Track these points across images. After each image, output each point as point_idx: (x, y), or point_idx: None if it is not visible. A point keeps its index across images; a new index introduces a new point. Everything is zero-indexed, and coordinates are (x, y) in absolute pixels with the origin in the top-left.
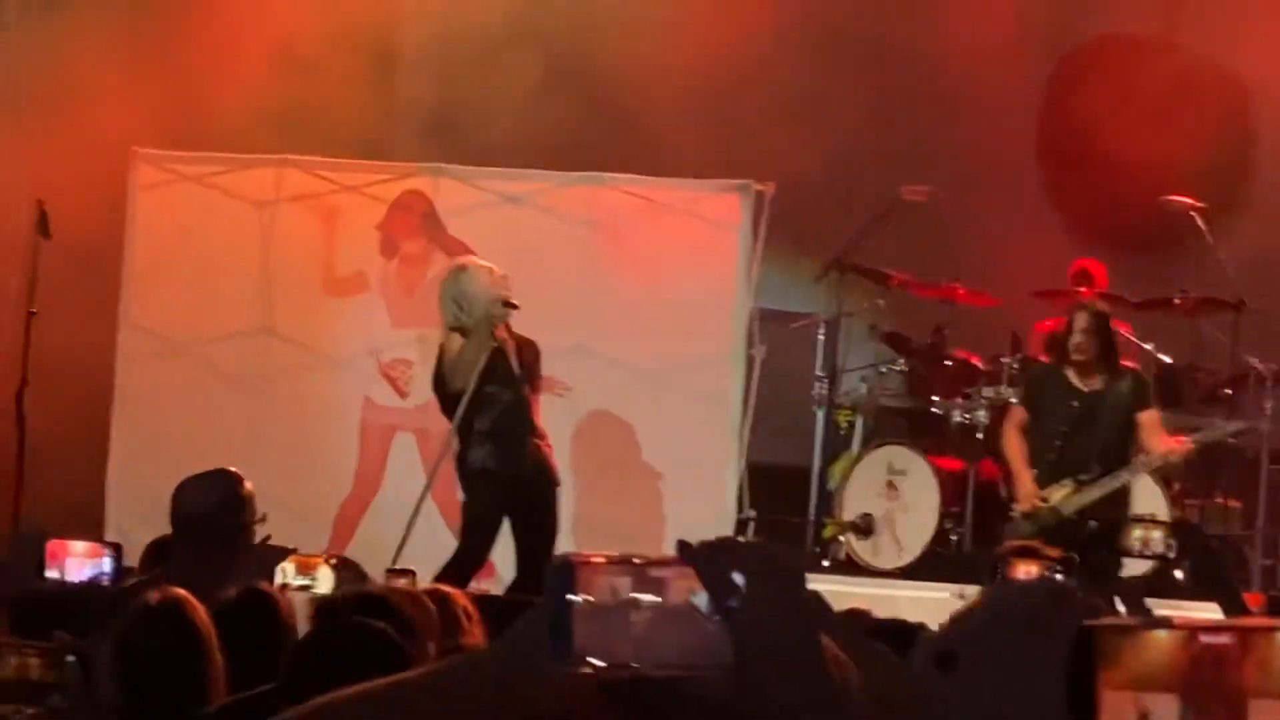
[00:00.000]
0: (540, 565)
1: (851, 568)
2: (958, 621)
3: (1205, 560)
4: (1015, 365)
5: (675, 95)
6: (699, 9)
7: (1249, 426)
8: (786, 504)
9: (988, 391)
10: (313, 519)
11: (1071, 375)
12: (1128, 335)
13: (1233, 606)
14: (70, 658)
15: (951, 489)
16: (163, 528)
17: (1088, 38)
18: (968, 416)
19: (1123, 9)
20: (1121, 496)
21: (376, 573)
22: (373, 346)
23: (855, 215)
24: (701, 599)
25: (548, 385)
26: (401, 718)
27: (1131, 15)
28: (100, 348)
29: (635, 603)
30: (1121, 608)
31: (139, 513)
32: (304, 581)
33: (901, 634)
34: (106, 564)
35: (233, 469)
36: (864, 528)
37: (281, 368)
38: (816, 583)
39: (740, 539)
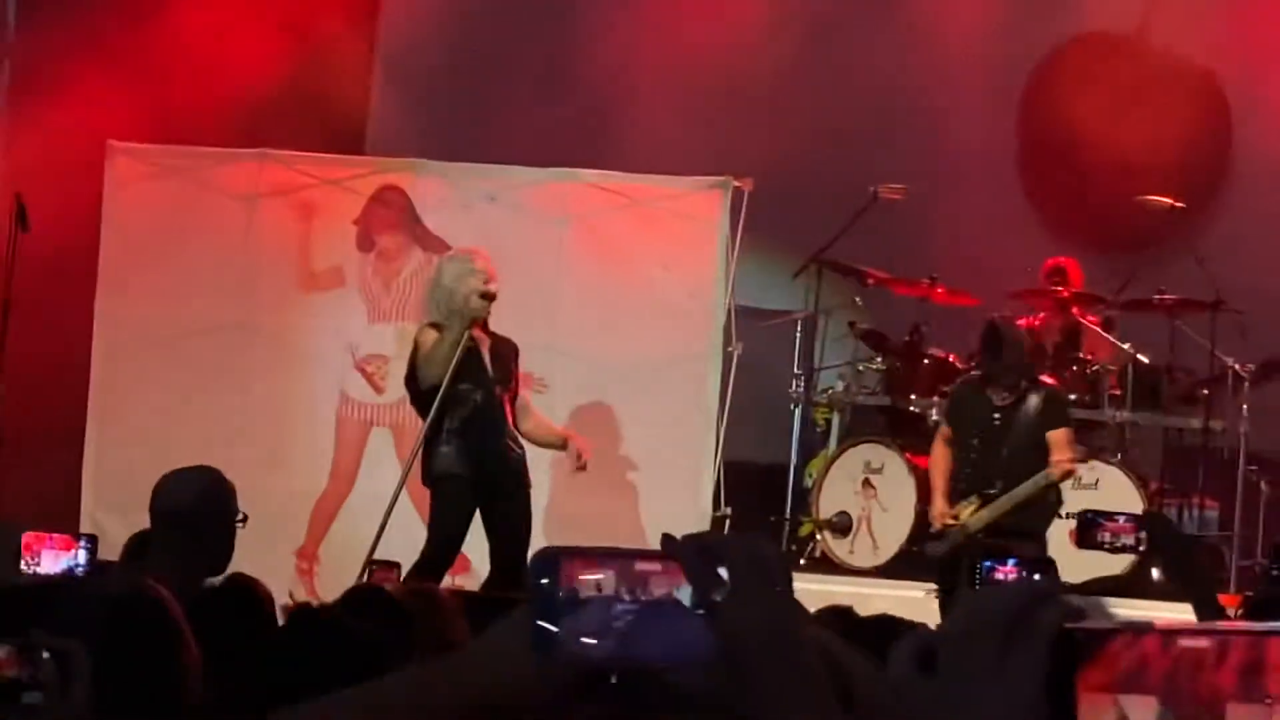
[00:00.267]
0: (513, 565)
1: (828, 566)
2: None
3: (1176, 552)
4: None
5: (654, 91)
6: (680, 5)
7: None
8: (763, 501)
9: None
10: (288, 514)
11: (990, 391)
12: (1104, 334)
13: (1205, 601)
14: (45, 654)
15: (928, 487)
16: (139, 521)
17: (1065, 38)
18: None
19: (1100, 8)
20: (1038, 511)
21: (352, 568)
22: (349, 341)
23: (833, 213)
24: (685, 593)
25: (525, 382)
26: None
27: (1108, 15)
28: (77, 341)
29: (619, 596)
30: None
31: (114, 506)
32: None
33: (888, 630)
34: (81, 556)
35: (214, 467)
36: (840, 526)
37: (258, 362)
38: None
39: (725, 533)
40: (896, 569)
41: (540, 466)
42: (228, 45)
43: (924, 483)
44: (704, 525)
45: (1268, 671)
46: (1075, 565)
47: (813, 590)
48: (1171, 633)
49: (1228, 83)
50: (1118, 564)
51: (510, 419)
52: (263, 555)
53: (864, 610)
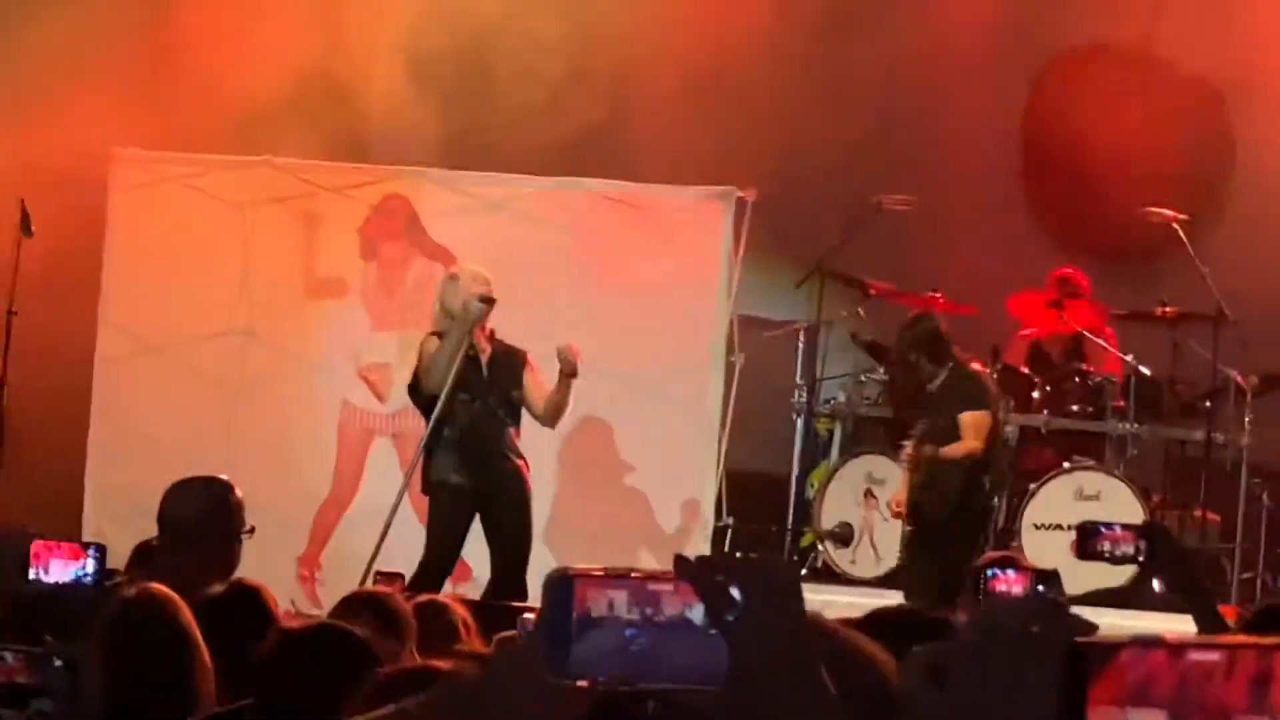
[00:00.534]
0: (511, 574)
1: (829, 576)
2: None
3: (1176, 563)
4: (995, 375)
5: (657, 102)
6: (682, 16)
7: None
8: (765, 512)
9: None
10: (290, 522)
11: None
12: (1107, 346)
13: (1205, 613)
14: (56, 661)
15: None
16: (141, 528)
17: (1068, 48)
18: None
19: (1103, 19)
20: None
21: (354, 576)
22: (352, 350)
23: (836, 223)
24: (697, 613)
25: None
26: None
27: (1112, 26)
28: (79, 347)
29: (631, 616)
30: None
31: (117, 513)
32: None
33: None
34: (90, 565)
35: (224, 477)
36: (842, 536)
37: (260, 370)
38: None
39: (737, 553)
40: (898, 580)
41: (543, 476)
42: (232, 53)
43: None
44: (706, 534)
45: (1277, 685)
46: (1077, 577)
47: (813, 601)
48: (1180, 646)
49: (1232, 95)
50: (1119, 576)
51: (513, 429)
52: (264, 563)
53: None
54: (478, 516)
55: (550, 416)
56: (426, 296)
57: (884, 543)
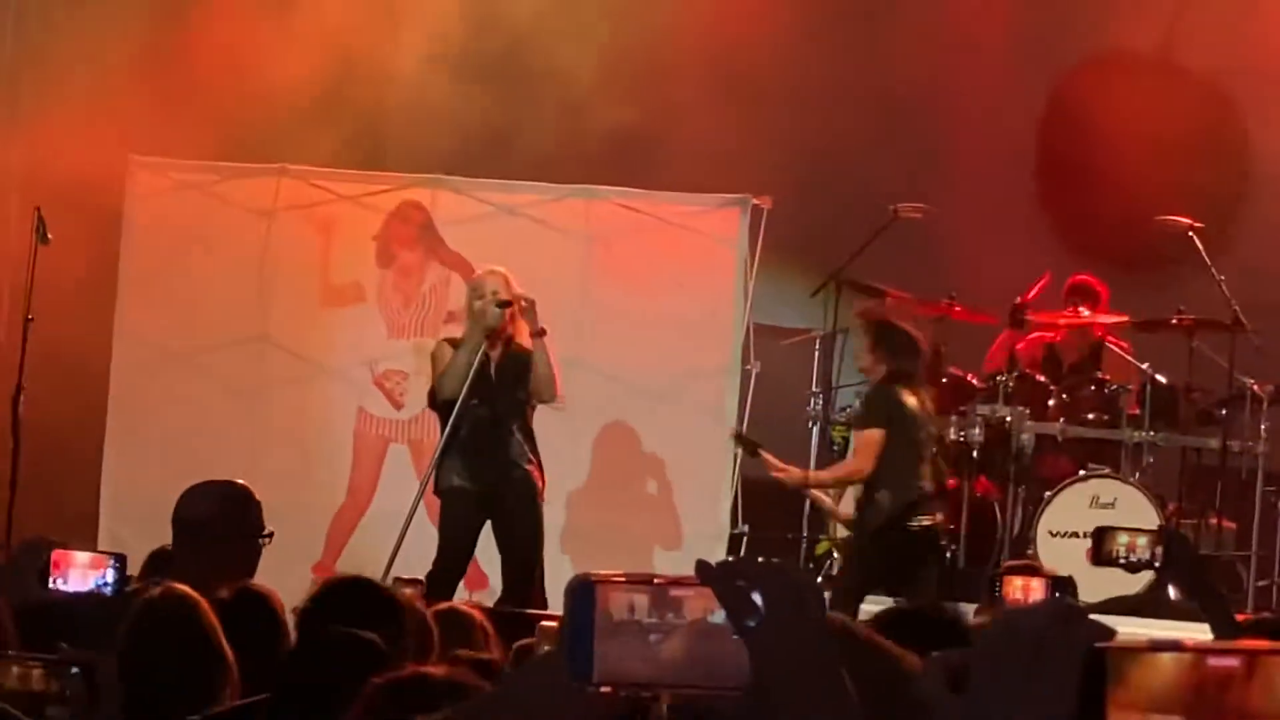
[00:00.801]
0: (519, 582)
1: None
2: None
3: (1191, 568)
4: (1011, 383)
5: (672, 109)
6: (695, 24)
7: None
8: (780, 519)
9: (983, 409)
10: (306, 529)
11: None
12: (1123, 353)
13: (1221, 619)
14: (73, 669)
15: (946, 506)
16: (157, 535)
17: (1086, 55)
18: (963, 434)
19: (1121, 27)
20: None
21: None
22: (368, 357)
23: (852, 232)
24: (719, 617)
25: None
26: None
27: (1129, 33)
28: (96, 355)
29: (654, 623)
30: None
31: (134, 520)
32: None
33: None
34: (110, 575)
35: (240, 481)
36: None
37: (277, 377)
38: None
39: (759, 559)
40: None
41: (560, 483)
42: (248, 60)
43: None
44: (721, 542)
45: None
46: (1093, 585)
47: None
48: (1200, 651)
49: (1248, 102)
50: (1135, 583)
51: (523, 434)
52: (280, 570)
53: None
54: (490, 523)
55: (541, 390)
56: (442, 304)
57: None
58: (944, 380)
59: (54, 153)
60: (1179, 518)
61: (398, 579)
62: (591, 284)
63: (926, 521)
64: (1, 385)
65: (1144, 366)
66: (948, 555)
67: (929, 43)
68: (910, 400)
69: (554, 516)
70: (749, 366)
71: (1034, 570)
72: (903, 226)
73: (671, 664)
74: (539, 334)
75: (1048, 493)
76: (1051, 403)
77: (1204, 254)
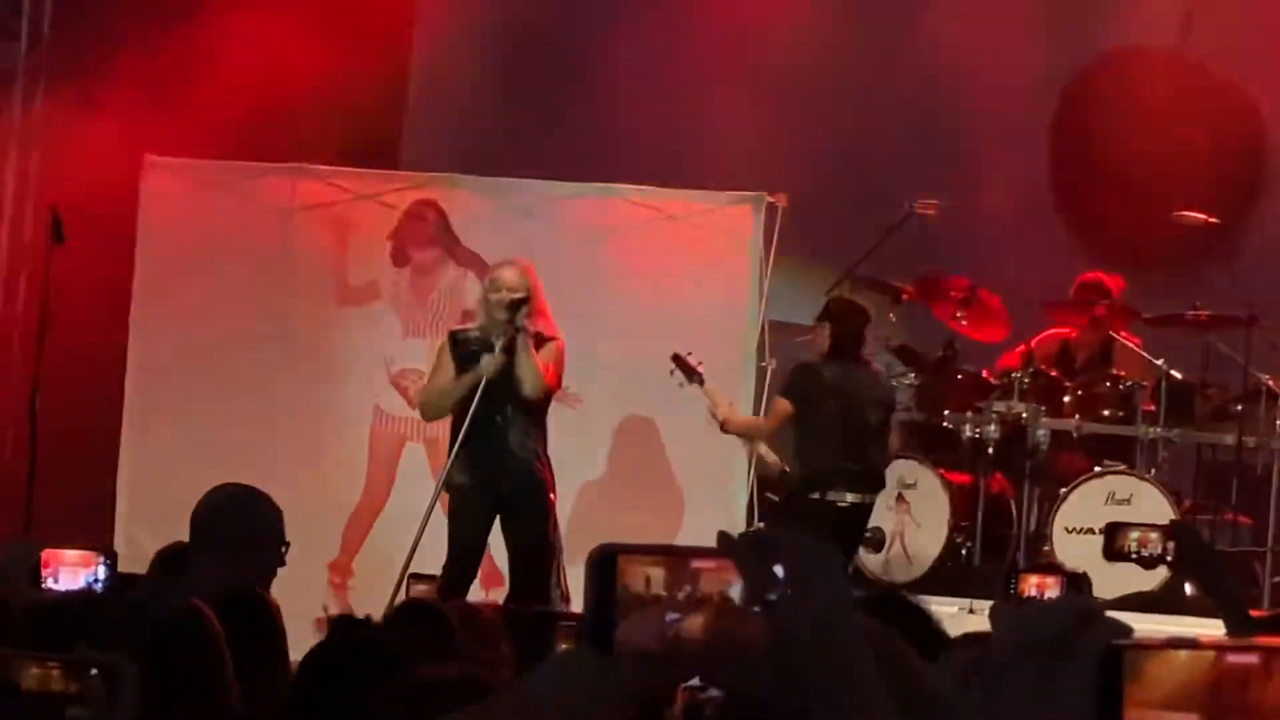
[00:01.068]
0: (522, 578)
1: (861, 581)
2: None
3: (1204, 563)
4: (1026, 380)
5: (686, 106)
6: (711, 22)
7: None
8: None
9: (999, 405)
10: (323, 528)
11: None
12: (1138, 350)
13: (1234, 614)
14: (92, 670)
15: (961, 503)
16: (172, 534)
17: (1101, 52)
18: (978, 430)
19: (1135, 23)
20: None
21: (386, 582)
22: (384, 356)
23: (867, 228)
24: (736, 591)
25: (560, 397)
26: None
27: (1144, 29)
28: (112, 354)
29: (670, 594)
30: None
31: (148, 519)
32: None
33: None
34: (101, 572)
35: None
36: (874, 541)
37: (293, 376)
38: None
39: (780, 531)
40: (931, 584)
41: (571, 479)
42: (263, 60)
43: (958, 498)
44: None
45: None
46: (1109, 581)
47: None
48: (1217, 648)
49: (1263, 98)
50: (1151, 580)
51: (530, 431)
52: (297, 569)
53: None
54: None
55: (523, 383)
56: (458, 303)
57: (915, 548)
58: (958, 377)
59: (69, 154)
60: (1195, 514)
61: (414, 575)
62: (606, 282)
63: (838, 499)
64: (18, 386)
65: (1159, 362)
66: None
67: (945, 40)
68: (843, 381)
69: (567, 512)
70: (764, 364)
71: (1044, 565)
72: (917, 223)
73: (692, 637)
74: (520, 330)
75: (1063, 489)
76: (1067, 399)
77: (1220, 250)
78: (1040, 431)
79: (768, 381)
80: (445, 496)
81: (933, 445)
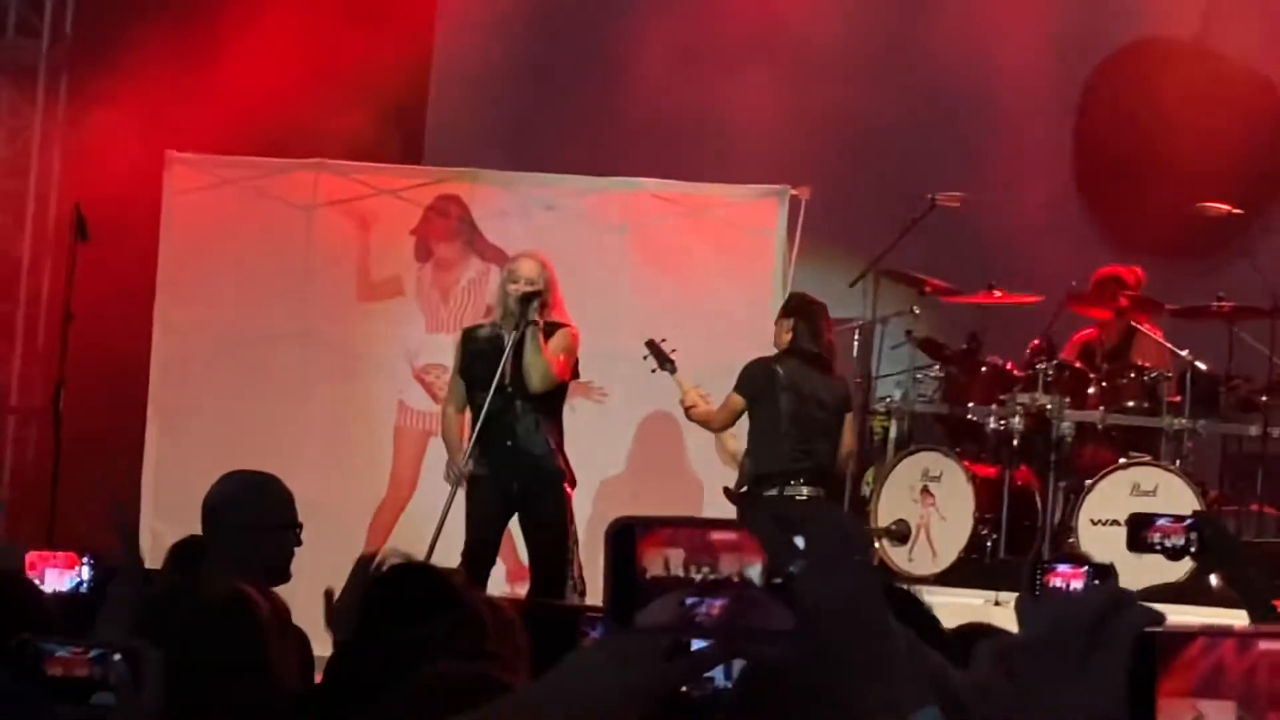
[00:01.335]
0: (548, 572)
1: (886, 573)
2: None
3: (1228, 553)
4: (1050, 372)
5: (711, 98)
6: (732, 14)
7: None
8: None
9: (1023, 398)
10: (348, 522)
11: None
12: (1162, 341)
13: (1258, 603)
14: (117, 656)
15: (986, 495)
16: (198, 530)
17: (1123, 43)
18: (1003, 422)
19: (1158, 14)
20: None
21: None
22: (407, 351)
23: (890, 221)
24: (755, 572)
25: (583, 391)
26: None
27: (1166, 20)
28: (136, 350)
29: (688, 574)
30: None
31: (173, 514)
32: None
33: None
34: (85, 573)
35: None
36: (899, 534)
37: (316, 372)
38: None
39: (801, 502)
40: (955, 577)
41: (594, 472)
42: (285, 56)
43: (983, 491)
44: None
45: None
46: (1134, 573)
47: None
48: (1251, 636)
49: None
50: (1176, 571)
51: (546, 424)
52: (322, 564)
53: None
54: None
55: (527, 377)
56: (481, 297)
57: (940, 540)
58: (983, 369)
59: (93, 150)
60: (1220, 505)
61: None
62: (630, 276)
63: (793, 495)
64: (43, 382)
65: (1184, 353)
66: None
67: (968, 31)
68: (796, 378)
69: (588, 506)
70: None
71: (1069, 556)
72: (941, 215)
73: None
74: (530, 324)
75: (1088, 481)
76: (1091, 391)
77: (1244, 240)
78: (1065, 423)
79: None
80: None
81: (957, 438)
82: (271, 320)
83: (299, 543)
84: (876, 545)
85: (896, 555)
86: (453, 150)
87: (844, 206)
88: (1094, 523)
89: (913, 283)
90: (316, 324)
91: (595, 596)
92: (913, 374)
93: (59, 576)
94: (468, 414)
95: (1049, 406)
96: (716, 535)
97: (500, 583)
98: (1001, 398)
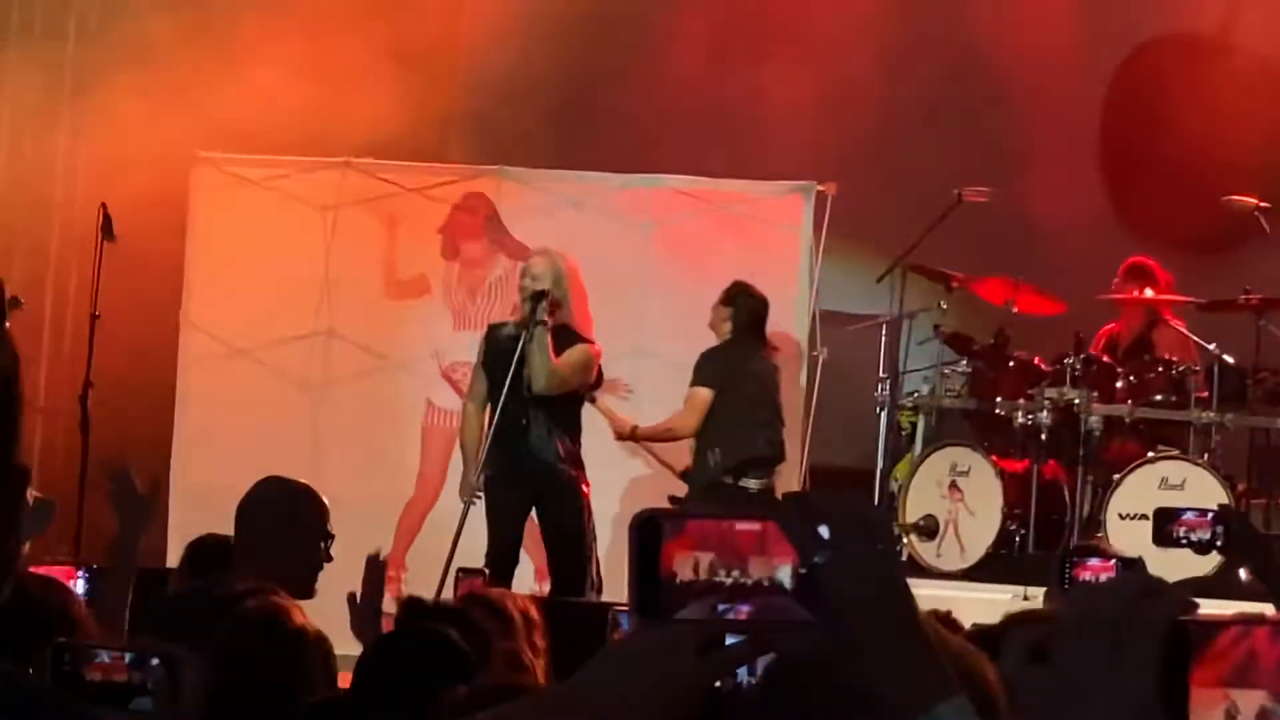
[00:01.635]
0: (567, 574)
1: (914, 569)
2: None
3: (1254, 548)
4: (1078, 366)
5: (737, 96)
6: (759, 10)
7: None
8: None
9: (1051, 392)
10: (376, 521)
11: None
12: (1189, 334)
13: None
14: (154, 659)
15: (1015, 490)
16: (226, 531)
17: (1149, 38)
18: (1031, 417)
19: (1183, 8)
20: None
21: (436, 576)
22: (435, 349)
23: (917, 216)
24: (785, 573)
25: (609, 388)
26: None
27: (1192, 14)
28: (163, 350)
29: (718, 579)
30: None
31: (202, 516)
32: None
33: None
34: (80, 586)
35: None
36: (927, 529)
37: (344, 371)
38: None
39: (825, 492)
40: (984, 572)
41: (619, 471)
42: (311, 54)
43: (1011, 486)
44: None
45: None
46: (1162, 567)
47: None
48: None
49: None
50: (1204, 565)
51: (555, 429)
52: (349, 563)
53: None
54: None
55: (532, 377)
56: (508, 295)
57: (969, 536)
58: (1010, 364)
59: (119, 149)
60: (1248, 498)
61: (461, 569)
62: (656, 273)
63: (757, 483)
64: (69, 382)
65: (1211, 347)
66: (919, 524)
67: (994, 26)
68: (754, 364)
69: (615, 505)
70: (816, 353)
71: (1098, 550)
72: (968, 210)
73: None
74: (538, 323)
75: (1116, 475)
76: (1119, 385)
77: (1271, 233)
78: (1093, 418)
79: (819, 370)
80: None
81: (985, 432)
82: (298, 319)
83: (329, 558)
84: (905, 540)
85: (925, 550)
86: (479, 148)
87: (870, 202)
88: (1122, 517)
89: (940, 278)
90: (343, 323)
91: (616, 593)
92: (940, 369)
93: None
94: (488, 412)
95: (1077, 401)
96: (741, 527)
97: (529, 580)
98: (1029, 392)
